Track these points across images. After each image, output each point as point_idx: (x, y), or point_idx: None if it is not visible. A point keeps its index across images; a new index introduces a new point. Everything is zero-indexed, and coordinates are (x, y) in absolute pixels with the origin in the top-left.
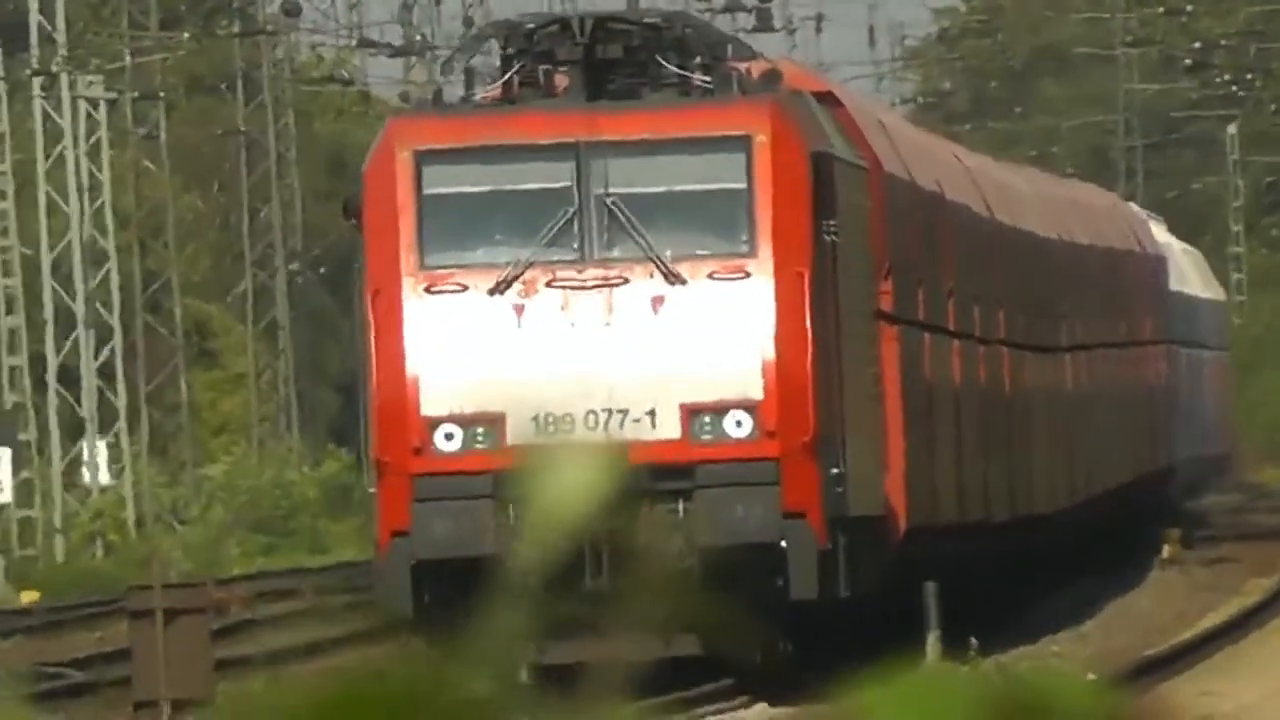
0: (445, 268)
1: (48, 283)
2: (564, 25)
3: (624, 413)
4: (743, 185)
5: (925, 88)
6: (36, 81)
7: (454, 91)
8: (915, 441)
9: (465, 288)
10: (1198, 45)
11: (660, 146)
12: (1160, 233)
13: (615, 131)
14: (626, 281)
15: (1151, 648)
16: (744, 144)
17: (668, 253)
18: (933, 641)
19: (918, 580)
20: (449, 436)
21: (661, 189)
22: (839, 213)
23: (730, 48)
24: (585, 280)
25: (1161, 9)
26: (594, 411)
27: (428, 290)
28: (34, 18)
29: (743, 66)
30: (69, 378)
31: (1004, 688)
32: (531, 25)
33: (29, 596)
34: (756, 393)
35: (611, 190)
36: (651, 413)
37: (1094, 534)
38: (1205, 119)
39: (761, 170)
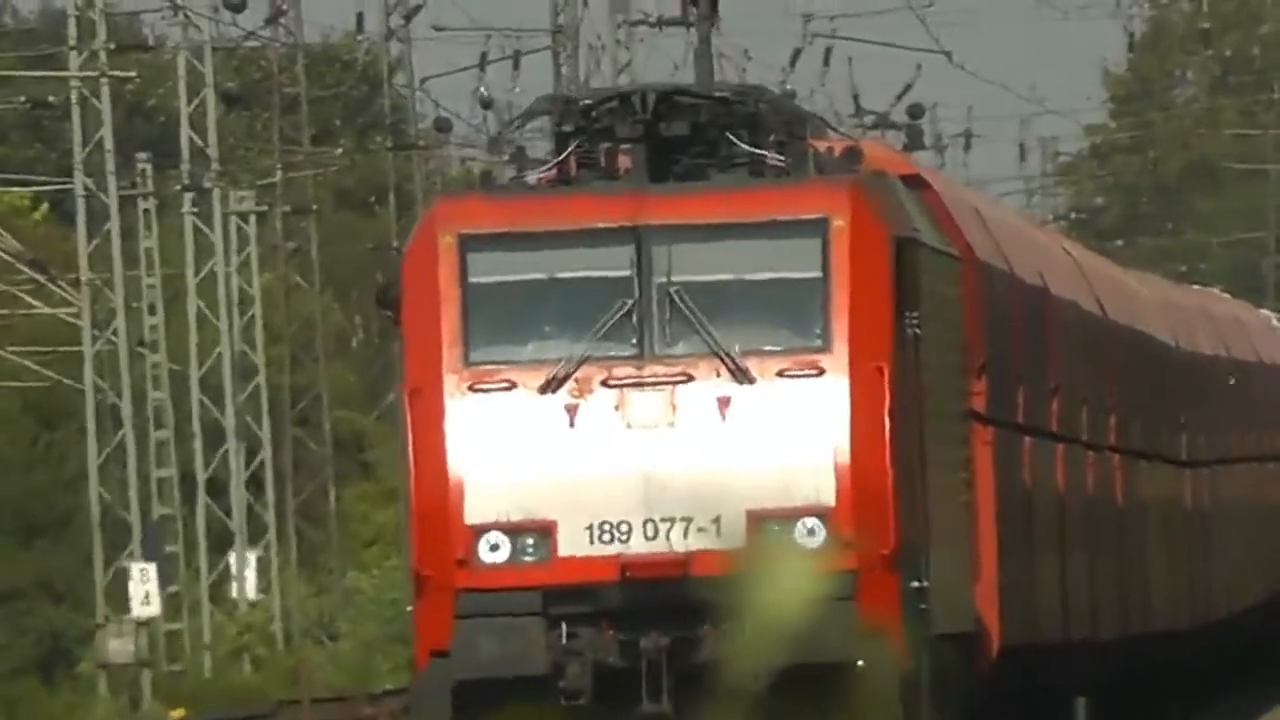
0: (491, 364)
1: (196, 396)
2: (624, 100)
3: (687, 520)
4: (818, 274)
5: (1077, 203)
6: (187, 197)
7: (504, 173)
8: (1009, 552)
9: (513, 386)
10: None
11: (728, 231)
12: None
13: (679, 215)
14: (690, 379)
15: None
16: (820, 228)
17: (735, 348)
18: None
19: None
20: (494, 547)
21: (729, 277)
22: (925, 303)
23: (809, 126)
24: (645, 378)
25: None
26: (653, 520)
27: (472, 389)
28: (185, 132)
29: (822, 146)
30: (217, 490)
31: None
32: (589, 101)
33: (177, 714)
34: (830, 499)
35: (674, 279)
36: (716, 521)
37: (1230, 653)
38: None
39: (838, 257)
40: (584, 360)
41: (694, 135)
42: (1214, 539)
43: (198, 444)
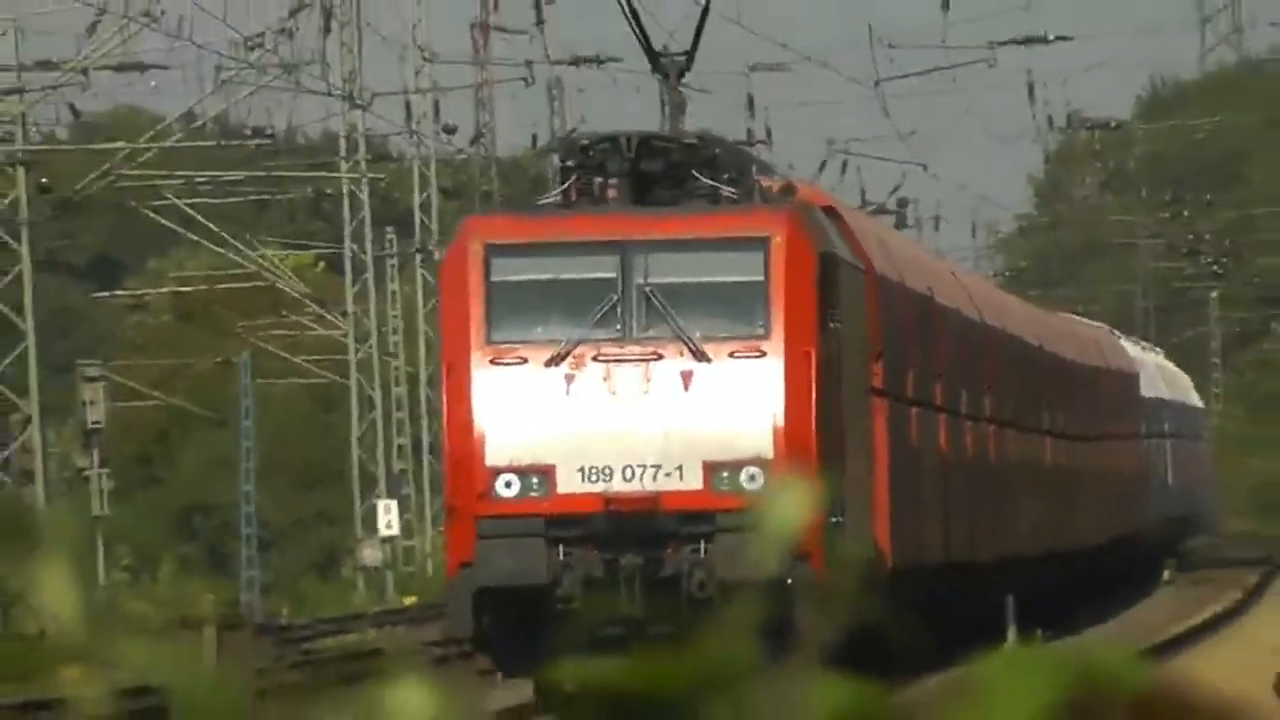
0: (508, 344)
1: (423, 389)
2: (614, 142)
3: (656, 467)
4: (760, 278)
5: (1009, 265)
6: (418, 256)
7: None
8: (899, 495)
9: (525, 361)
10: (1191, 238)
11: (692, 245)
12: (1154, 362)
13: (654, 232)
14: (660, 358)
15: (1160, 637)
16: (762, 244)
17: (696, 334)
18: (1012, 635)
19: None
20: (508, 484)
21: (692, 280)
22: (840, 304)
23: (754, 167)
24: (626, 356)
25: (1168, 214)
26: (630, 466)
27: (493, 362)
28: (417, 215)
29: (763, 182)
30: (439, 451)
31: (1081, 654)
32: (586, 141)
33: (409, 600)
34: (768, 453)
35: (650, 281)
36: (679, 468)
37: (1085, 569)
38: (1196, 289)
39: (776, 266)
40: (579, 342)
41: (666, 171)
42: (1068, 492)
43: (424, 421)
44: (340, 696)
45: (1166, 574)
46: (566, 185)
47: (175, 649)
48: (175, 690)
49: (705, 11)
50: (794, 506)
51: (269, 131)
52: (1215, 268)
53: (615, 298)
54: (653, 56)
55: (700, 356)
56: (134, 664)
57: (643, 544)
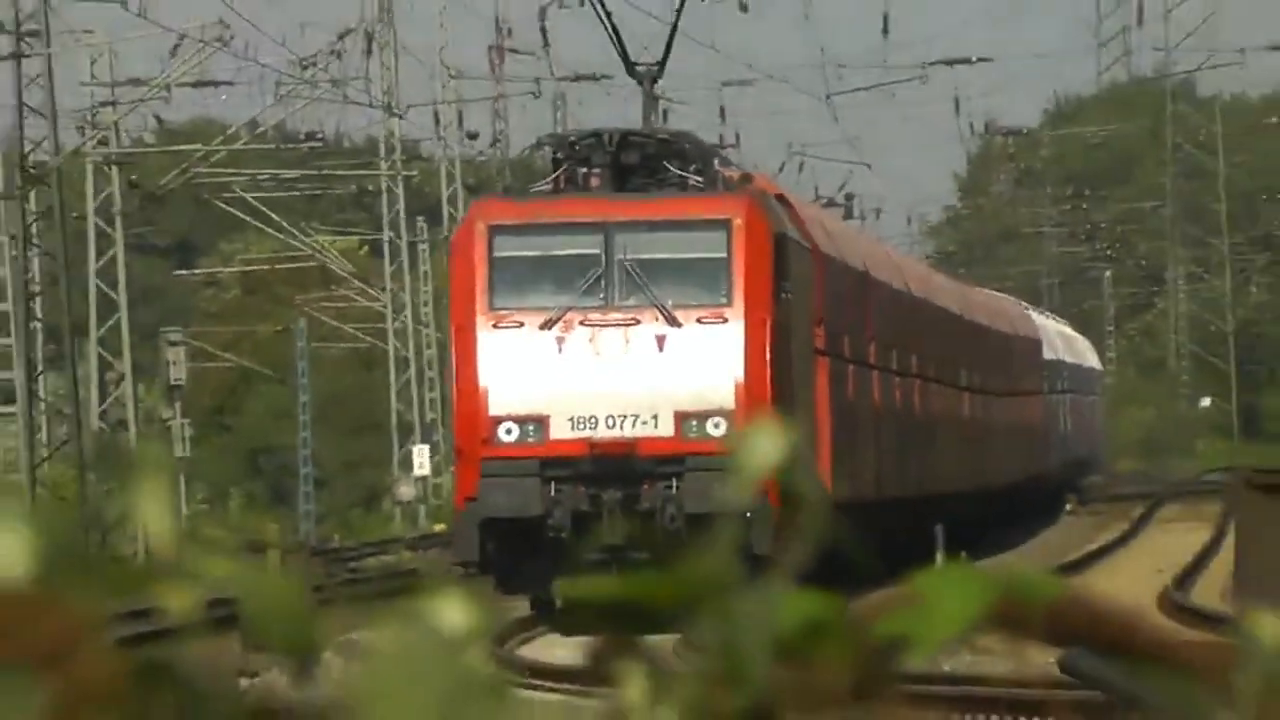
0: (508, 310)
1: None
2: (598, 137)
3: (635, 416)
4: (723, 255)
5: (938, 249)
6: (447, 241)
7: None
8: (839, 440)
9: (522, 325)
10: (1089, 226)
11: (664, 225)
12: (1056, 329)
13: (632, 214)
14: (638, 323)
15: (1064, 558)
16: (725, 225)
17: (668, 302)
18: (940, 559)
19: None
20: (508, 431)
21: (665, 256)
22: (790, 278)
23: (717, 160)
24: (608, 321)
25: (1069, 206)
26: (612, 415)
27: (495, 326)
28: (445, 207)
29: (725, 172)
30: None
31: (1005, 571)
32: (574, 138)
33: (439, 527)
34: (730, 404)
35: (629, 256)
36: (654, 417)
37: (999, 503)
38: (1093, 269)
39: (737, 244)
40: (568, 309)
41: (642, 162)
42: (983, 439)
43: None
44: (388, 607)
45: (1068, 507)
46: (557, 174)
47: (250, 566)
48: (251, 599)
49: (674, 29)
50: (768, 448)
51: (320, 136)
52: (1108, 251)
53: (599, 271)
54: (629, 66)
55: (672, 322)
56: (219, 577)
57: (622, 482)
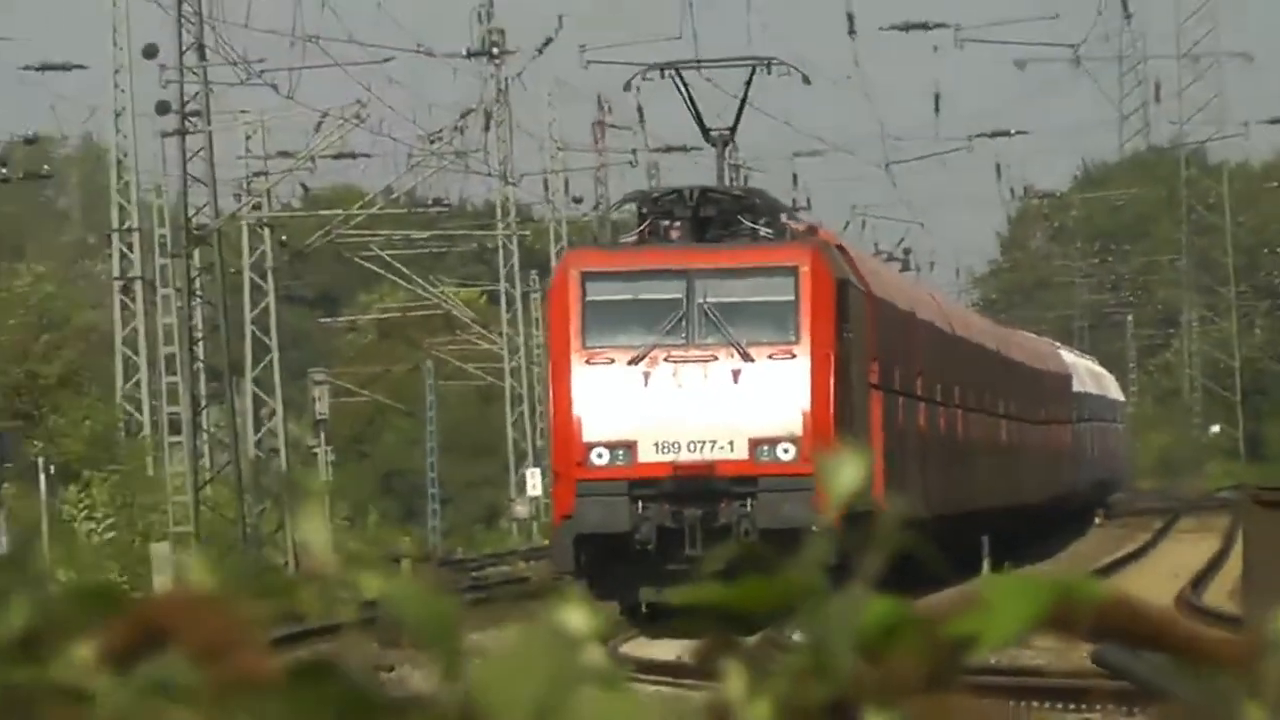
0: (600, 348)
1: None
2: (679, 194)
3: (713, 442)
4: (792, 298)
5: (983, 297)
6: None
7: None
8: (891, 463)
9: (612, 361)
10: (1113, 277)
11: (738, 272)
12: (1084, 365)
13: (710, 262)
14: (716, 359)
15: (1094, 565)
16: (793, 272)
17: (743, 341)
18: (986, 567)
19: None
20: (600, 455)
21: (739, 299)
22: (850, 319)
23: (784, 214)
24: (689, 357)
25: (1096, 260)
26: (693, 441)
27: (588, 362)
28: (552, 261)
29: (792, 225)
30: None
31: (1054, 577)
32: (657, 194)
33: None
34: (798, 431)
35: (707, 299)
36: (730, 443)
37: (1034, 518)
38: (1117, 314)
39: (804, 289)
40: (653, 346)
41: (718, 216)
42: (1018, 461)
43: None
44: (521, 611)
45: (1096, 520)
46: (642, 226)
47: (404, 577)
48: (407, 606)
49: (744, 99)
50: (855, 472)
51: (445, 201)
52: (1130, 298)
53: (681, 312)
54: (704, 131)
55: (746, 358)
56: (372, 586)
57: (702, 501)
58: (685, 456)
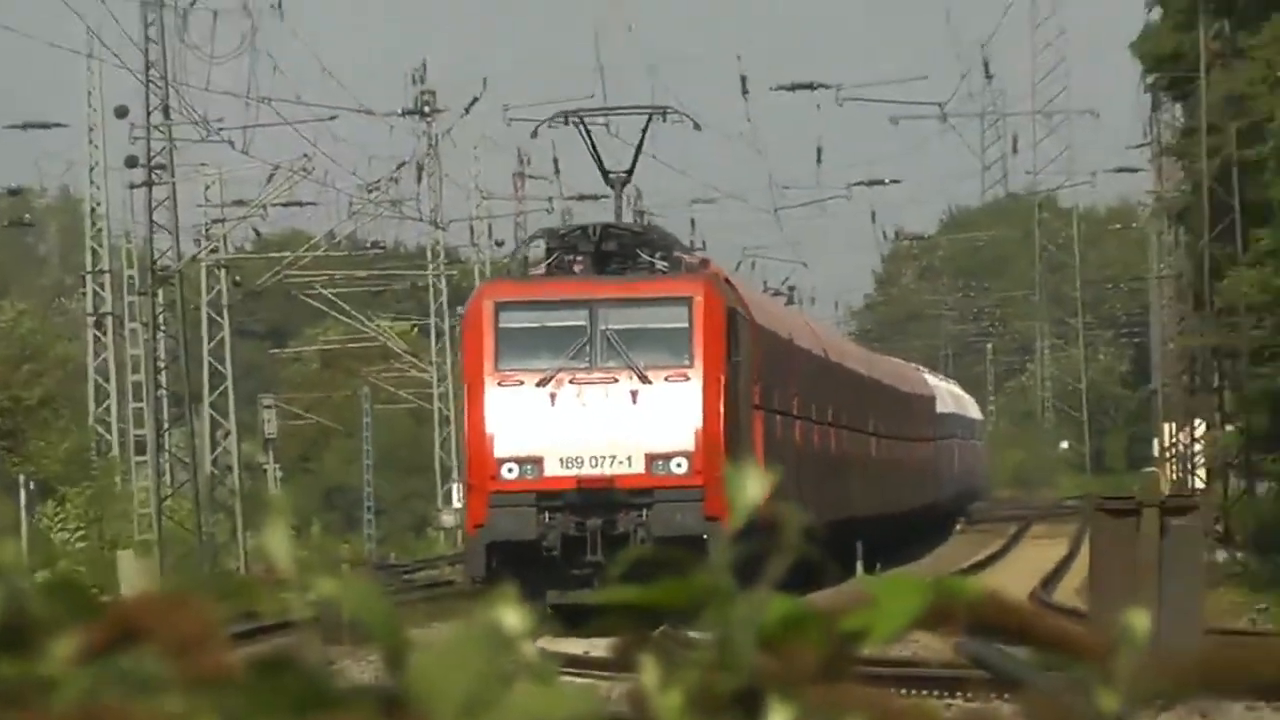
0: (510, 370)
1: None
2: (583, 231)
3: (613, 457)
4: (686, 326)
5: (860, 328)
6: None
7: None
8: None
9: (522, 383)
10: (975, 310)
11: (637, 302)
12: (947, 388)
13: (611, 293)
14: (616, 381)
15: (956, 567)
16: (687, 301)
17: (641, 364)
18: (860, 569)
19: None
20: (510, 470)
21: (638, 326)
22: (738, 345)
23: (678, 250)
24: (592, 379)
25: (959, 294)
26: (595, 456)
27: (499, 384)
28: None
29: (686, 258)
30: None
31: (932, 576)
32: (564, 231)
33: None
34: (691, 446)
35: (609, 327)
36: (629, 458)
37: (902, 526)
38: (978, 342)
39: (697, 317)
40: (559, 369)
41: (619, 250)
42: (887, 474)
43: None
44: (459, 610)
45: (958, 527)
46: (550, 260)
47: (350, 579)
48: (355, 605)
49: (639, 147)
50: (758, 486)
51: (382, 245)
52: (990, 329)
53: (585, 339)
54: (604, 174)
55: (644, 380)
56: (325, 589)
57: (603, 511)
58: (588, 471)
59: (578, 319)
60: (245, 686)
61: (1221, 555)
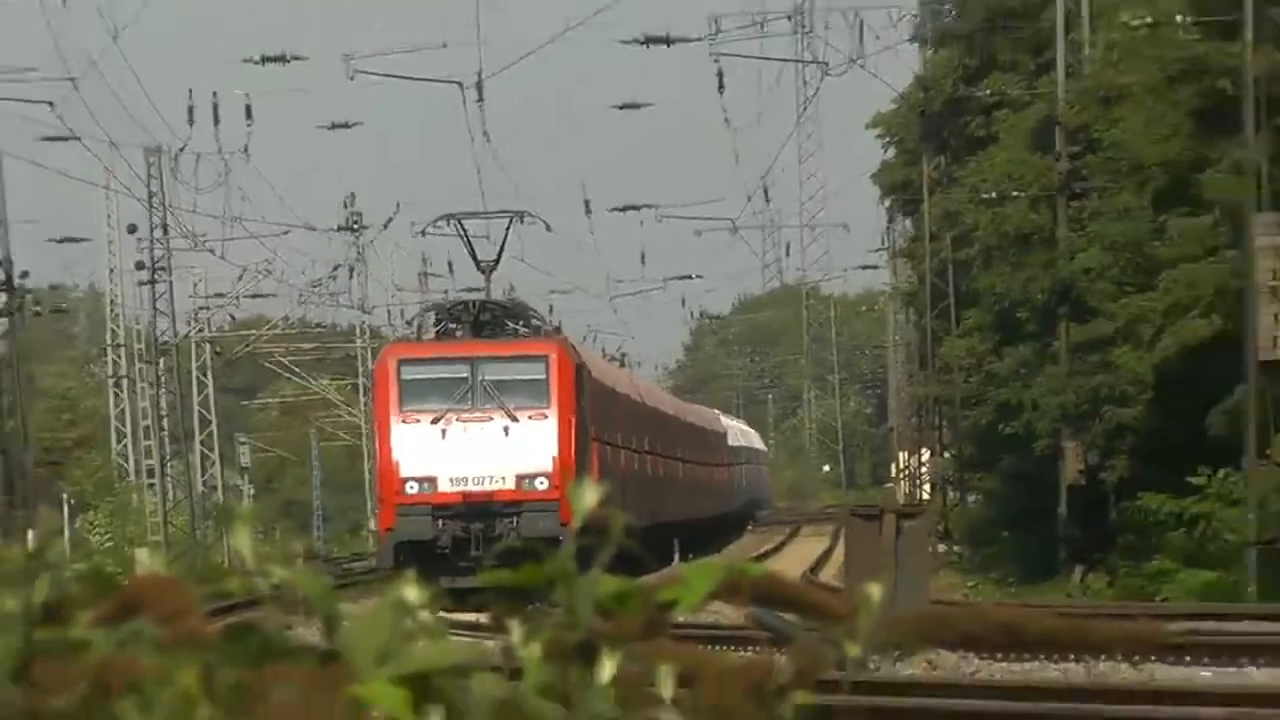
0: (411, 411)
1: None
2: (466, 304)
3: (491, 477)
4: (544, 377)
5: (676, 384)
6: None
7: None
8: (606, 490)
9: (420, 420)
10: (762, 373)
11: (507, 359)
12: (738, 426)
13: (487, 351)
14: (492, 419)
15: (748, 556)
16: (545, 359)
17: (511, 406)
18: (677, 559)
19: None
20: (412, 486)
21: (508, 377)
22: (583, 392)
23: (535, 319)
24: (473, 417)
25: (749, 360)
26: (477, 476)
27: (403, 422)
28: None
29: (543, 326)
30: None
31: (725, 562)
32: (449, 305)
33: None
34: (549, 469)
35: (485, 378)
36: (503, 478)
37: (704, 529)
38: (762, 394)
39: (553, 370)
40: (448, 410)
41: (492, 320)
42: (692, 491)
43: None
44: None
45: (749, 528)
46: (438, 327)
47: (298, 567)
48: (303, 585)
49: (503, 242)
50: (593, 496)
51: (323, 325)
52: (770, 384)
53: (468, 387)
54: (476, 262)
55: (513, 418)
56: (279, 575)
57: (483, 518)
58: (472, 487)
59: (462, 372)
60: (218, 645)
61: (942, 548)
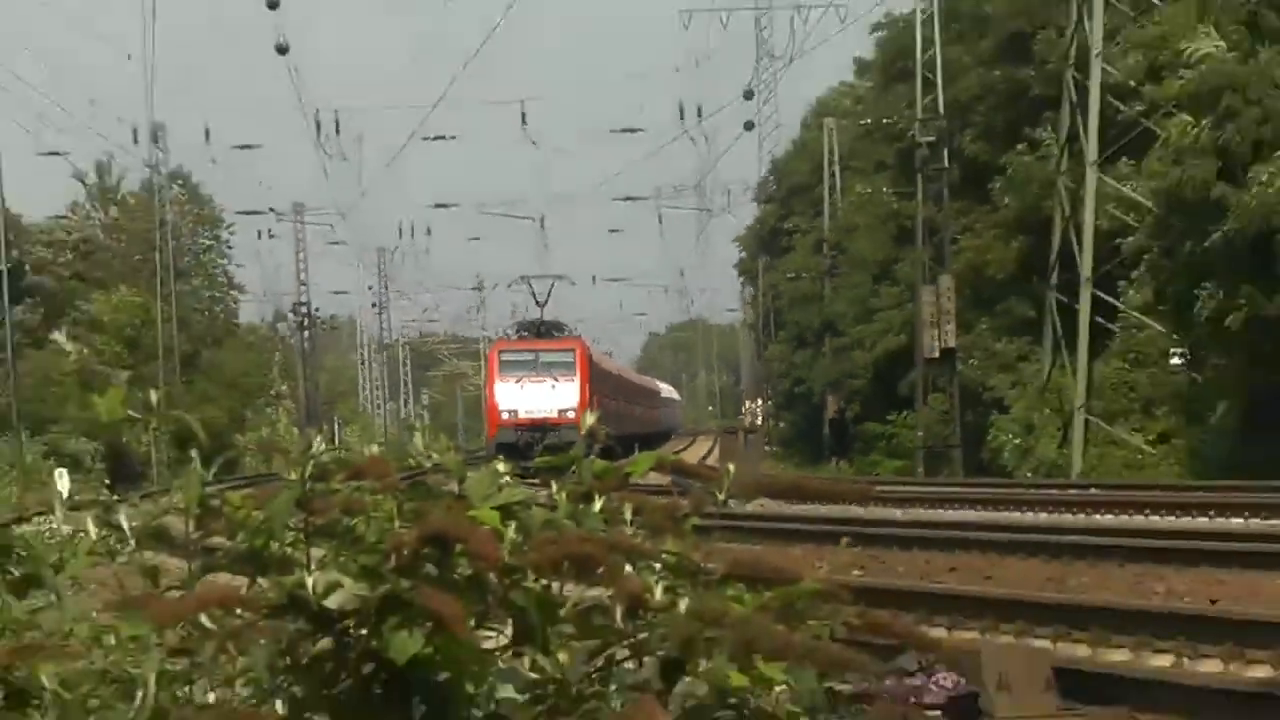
0: (505, 376)
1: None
2: (531, 322)
3: (543, 410)
4: (572, 360)
5: (639, 368)
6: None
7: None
8: (602, 419)
9: (509, 381)
10: (682, 373)
11: (553, 350)
12: (668, 388)
13: (543, 346)
14: (544, 381)
15: (671, 451)
16: (573, 350)
17: (555, 374)
18: (638, 454)
19: None
20: (505, 415)
21: (553, 359)
22: (591, 368)
23: (568, 329)
24: (536, 379)
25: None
26: (538, 410)
27: (500, 381)
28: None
29: (573, 332)
30: None
31: (660, 453)
32: (524, 322)
33: None
34: (574, 406)
35: (542, 359)
36: (550, 411)
37: (651, 438)
38: (678, 373)
39: (577, 357)
40: (523, 375)
41: (544, 329)
42: (644, 418)
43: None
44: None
45: (671, 439)
46: (519, 334)
47: (449, 454)
48: (448, 462)
49: (549, 291)
50: (590, 419)
51: (467, 335)
52: (685, 366)
53: (533, 364)
54: (536, 300)
55: (556, 381)
56: (438, 457)
57: (540, 431)
58: (535, 415)
59: (530, 357)
60: (405, 490)
61: (769, 448)
